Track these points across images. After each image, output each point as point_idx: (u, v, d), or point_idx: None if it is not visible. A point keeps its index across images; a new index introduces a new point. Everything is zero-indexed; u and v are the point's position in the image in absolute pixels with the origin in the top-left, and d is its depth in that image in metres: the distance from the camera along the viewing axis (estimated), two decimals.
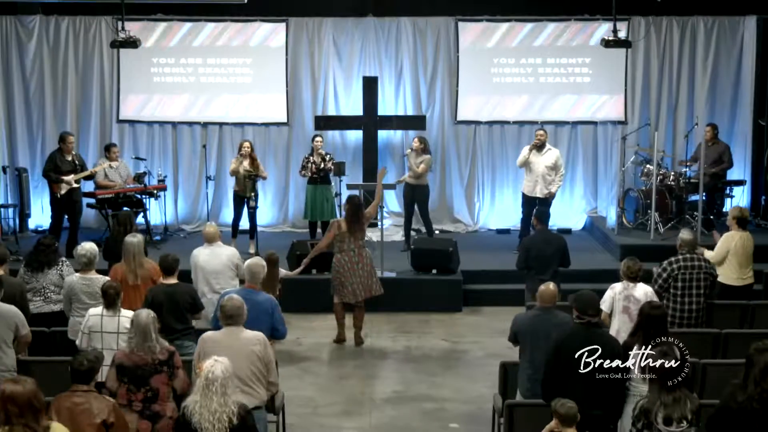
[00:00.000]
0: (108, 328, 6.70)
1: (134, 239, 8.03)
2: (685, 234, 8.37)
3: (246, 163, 11.92)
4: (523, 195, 12.32)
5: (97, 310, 6.83)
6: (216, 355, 5.67)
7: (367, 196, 12.01)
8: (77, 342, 6.91)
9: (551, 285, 6.86)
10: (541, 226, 9.49)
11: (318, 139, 12.50)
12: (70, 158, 11.89)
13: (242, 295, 6.60)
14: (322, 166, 12.33)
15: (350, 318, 9.88)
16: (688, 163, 12.61)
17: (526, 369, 6.72)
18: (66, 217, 12.08)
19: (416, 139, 12.47)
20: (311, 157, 12.36)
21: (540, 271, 9.04)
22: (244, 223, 12.34)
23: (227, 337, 6.16)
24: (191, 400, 5.19)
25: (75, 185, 11.85)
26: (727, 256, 8.88)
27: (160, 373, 5.96)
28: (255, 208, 12.05)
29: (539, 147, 12.07)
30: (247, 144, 12.12)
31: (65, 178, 11.71)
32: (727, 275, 8.85)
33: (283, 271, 9.57)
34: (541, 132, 12.25)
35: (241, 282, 8.04)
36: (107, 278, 7.59)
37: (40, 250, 8.15)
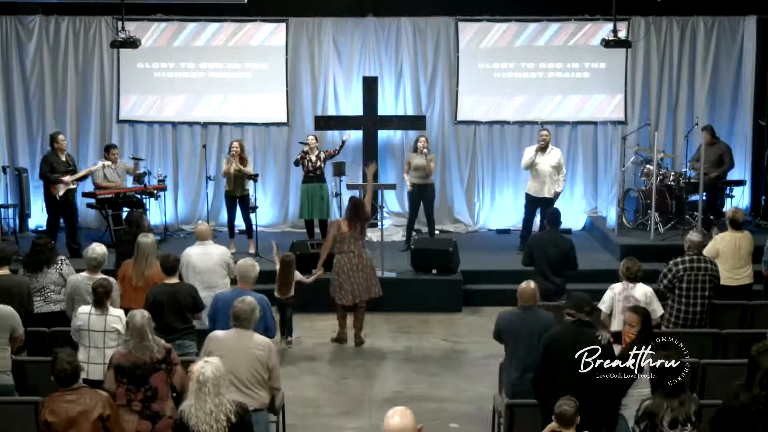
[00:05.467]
0: (95, 327, 6.73)
1: (147, 240, 8.02)
2: (693, 235, 8.35)
3: (235, 164, 11.95)
4: (529, 196, 12.24)
5: (86, 308, 6.86)
6: (219, 354, 5.68)
7: None
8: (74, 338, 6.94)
9: (531, 284, 6.86)
10: (551, 228, 9.46)
11: (311, 137, 12.52)
12: (63, 158, 11.84)
13: (234, 296, 6.59)
14: (318, 164, 12.36)
15: (351, 318, 9.88)
16: (693, 165, 12.55)
17: (508, 368, 6.76)
18: (62, 218, 12.00)
19: (424, 139, 12.44)
20: (306, 155, 12.38)
21: (541, 271, 9.04)
22: (239, 223, 12.36)
23: (232, 338, 6.17)
24: (186, 404, 5.17)
25: (72, 186, 11.83)
26: (718, 255, 8.89)
27: (159, 371, 5.96)
28: (255, 208, 12.06)
29: (543, 148, 12.05)
30: (236, 144, 12.14)
31: (64, 178, 11.68)
32: (721, 275, 8.84)
33: (298, 275, 9.60)
34: (545, 132, 12.20)
35: (234, 282, 8.05)
36: (111, 279, 7.60)
37: (36, 251, 8.13)
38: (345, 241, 9.55)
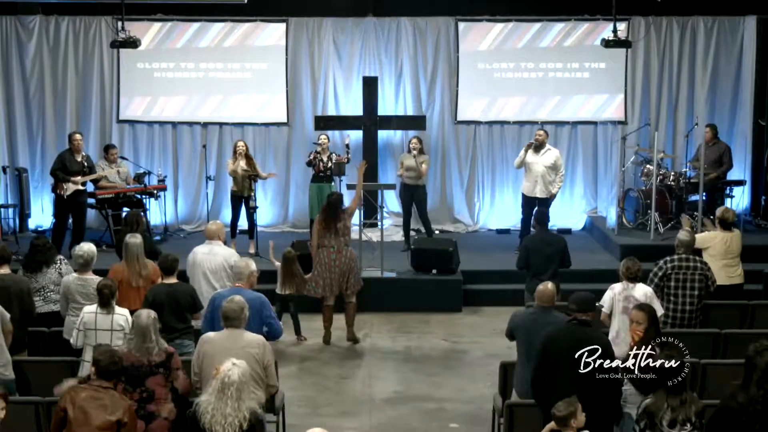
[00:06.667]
0: (102, 326, 6.74)
1: (136, 240, 8.02)
2: (683, 235, 8.37)
3: (242, 163, 11.94)
4: (523, 195, 12.32)
5: (92, 308, 6.88)
6: (213, 356, 5.66)
7: (368, 196, 12.02)
8: (72, 340, 6.95)
9: (550, 285, 6.86)
10: (540, 228, 9.50)
11: (323, 138, 12.52)
12: (79, 159, 11.83)
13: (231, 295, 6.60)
14: (329, 164, 12.38)
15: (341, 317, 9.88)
16: (693, 165, 12.56)
17: (521, 368, 6.73)
18: (71, 218, 11.99)
19: (415, 140, 12.45)
20: (318, 155, 12.38)
21: (539, 271, 9.03)
22: (243, 223, 12.35)
23: (225, 338, 6.16)
24: (204, 399, 5.19)
25: (81, 187, 11.81)
26: (703, 253, 8.89)
27: (156, 374, 5.96)
28: (255, 208, 12.06)
29: (537, 147, 12.06)
30: (241, 144, 12.13)
31: (73, 178, 11.66)
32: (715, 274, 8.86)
33: (300, 270, 9.62)
34: (541, 132, 12.26)
35: None
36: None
37: (35, 251, 8.13)
38: (325, 237, 9.59)
